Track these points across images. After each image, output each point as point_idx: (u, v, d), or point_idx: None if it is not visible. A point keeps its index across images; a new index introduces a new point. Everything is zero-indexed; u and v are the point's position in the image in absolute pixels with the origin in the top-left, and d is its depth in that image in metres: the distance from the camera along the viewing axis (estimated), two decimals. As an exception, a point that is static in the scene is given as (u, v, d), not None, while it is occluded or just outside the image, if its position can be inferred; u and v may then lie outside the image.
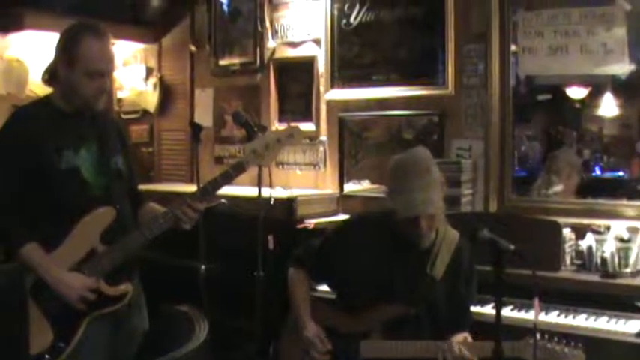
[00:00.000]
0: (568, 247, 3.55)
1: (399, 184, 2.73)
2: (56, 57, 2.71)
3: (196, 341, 2.28)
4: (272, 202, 3.69)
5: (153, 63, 5.91)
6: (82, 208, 2.66)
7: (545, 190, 4.12)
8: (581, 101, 4.08)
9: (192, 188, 2.95)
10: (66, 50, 2.67)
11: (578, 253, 3.54)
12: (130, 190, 2.93)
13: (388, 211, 2.90)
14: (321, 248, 3.07)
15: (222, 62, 5.44)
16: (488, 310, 3.31)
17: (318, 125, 4.90)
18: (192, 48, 5.64)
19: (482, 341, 2.67)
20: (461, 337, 2.77)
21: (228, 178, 2.78)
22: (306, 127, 4.84)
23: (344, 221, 3.59)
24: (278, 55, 5.13)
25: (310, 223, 4.30)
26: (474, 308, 3.14)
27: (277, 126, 4.99)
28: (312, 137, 4.89)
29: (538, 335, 2.60)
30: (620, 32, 3.71)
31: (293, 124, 3.11)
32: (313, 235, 3.99)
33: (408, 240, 2.83)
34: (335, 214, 4.64)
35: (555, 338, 2.61)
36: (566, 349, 2.58)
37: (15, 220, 2.61)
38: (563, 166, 4.11)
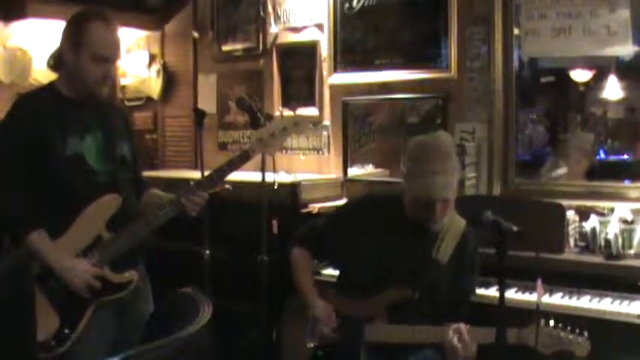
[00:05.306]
0: (572, 229, 3.56)
1: (419, 166, 2.71)
2: (62, 42, 2.70)
3: (200, 322, 2.28)
4: (276, 187, 3.70)
5: (156, 50, 5.90)
6: (87, 194, 2.67)
7: (549, 173, 4.12)
8: (586, 84, 4.06)
9: (196, 174, 2.96)
10: (72, 35, 2.66)
11: (582, 235, 3.54)
12: (133, 177, 2.93)
13: (398, 192, 2.91)
14: (327, 226, 3.06)
15: (225, 48, 5.43)
16: (492, 292, 3.31)
17: (321, 110, 4.89)
18: (195, 34, 5.63)
19: (484, 327, 2.64)
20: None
21: (233, 166, 2.79)
22: (310, 111, 4.86)
23: (352, 199, 3.58)
24: (281, 40, 5.12)
25: (314, 207, 4.30)
26: (477, 291, 3.14)
27: (281, 110, 4.99)
28: (316, 122, 4.88)
29: (542, 322, 2.61)
30: (624, 14, 3.68)
31: (299, 114, 3.10)
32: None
33: (418, 223, 2.83)
34: (339, 198, 4.63)
35: (560, 325, 2.61)
36: (571, 336, 2.58)
37: (21, 207, 2.61)
38: (574, 150, 4.09)
